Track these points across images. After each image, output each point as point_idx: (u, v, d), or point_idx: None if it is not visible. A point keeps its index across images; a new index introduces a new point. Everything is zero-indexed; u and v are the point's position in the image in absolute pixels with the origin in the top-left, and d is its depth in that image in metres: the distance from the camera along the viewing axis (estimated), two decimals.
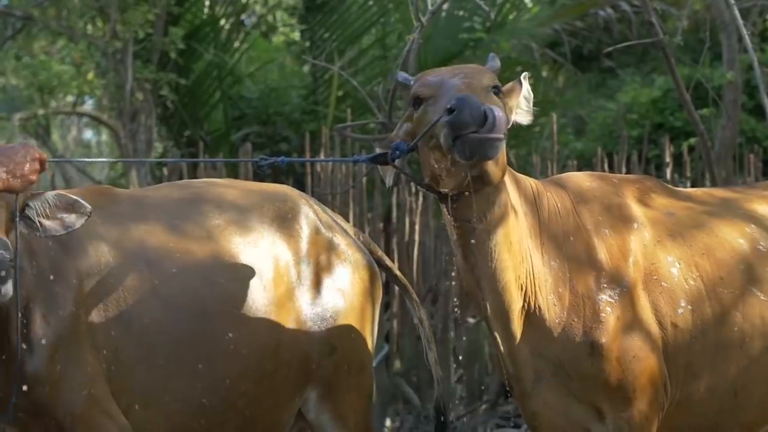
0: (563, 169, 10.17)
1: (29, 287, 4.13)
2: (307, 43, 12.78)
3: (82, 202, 4.08)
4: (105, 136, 19.66)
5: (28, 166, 3.49)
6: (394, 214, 8.81)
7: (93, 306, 4.23)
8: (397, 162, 4.08)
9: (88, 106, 16.39)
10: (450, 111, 3.69)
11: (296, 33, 14.60)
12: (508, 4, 12.35)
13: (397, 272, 5.06)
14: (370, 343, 4.83)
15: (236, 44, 13.13)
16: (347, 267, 4.73)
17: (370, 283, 4.80)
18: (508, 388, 4.36)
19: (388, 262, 5.00)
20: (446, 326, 8.70)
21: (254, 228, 4.59)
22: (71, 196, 4.09)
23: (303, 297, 4.59)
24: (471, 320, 8.89)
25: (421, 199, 8.89)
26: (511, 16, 12.66)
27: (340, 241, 4.75)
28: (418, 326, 5.01)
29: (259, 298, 4.49)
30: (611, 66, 14.38)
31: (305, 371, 4.60)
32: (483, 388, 8.64)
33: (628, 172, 9.33)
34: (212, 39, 12.58)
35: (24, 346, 4.08)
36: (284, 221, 4.64)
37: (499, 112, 3.69)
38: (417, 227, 8.73)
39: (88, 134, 22.44)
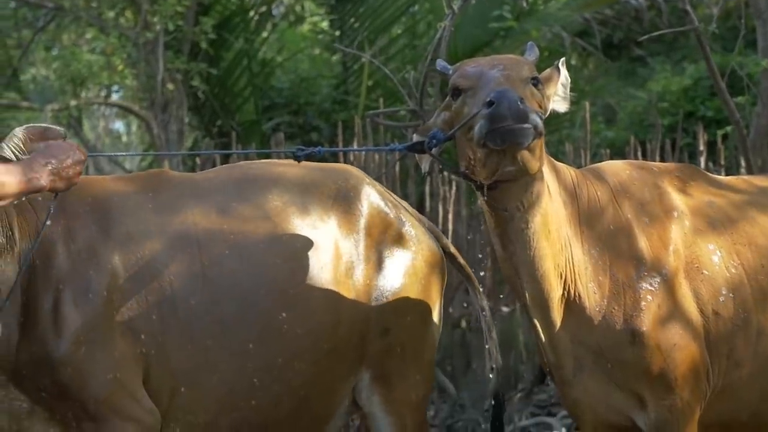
0: (595, 157, 10.15)
1: (63, 269, 4.15)
2: (337, 33, 12.78)
3: (54, 127, 4.04)
4: (135, 126, 19.71)
5: (73, 167, 3.48)
6: (427, 202, 8.81)
7: (130, 291, 4.23)
8: (433, 150, 4.10)
9: (117, 96, 16.44)
10: (489, 104, 3.70)
11: (324, 23, 14.61)
12: None
13: (461, 260, 4.98)
14: (430, 330, 4.74)
15: (265, 34, 13.15)
16: (408, 249, 4.66)
17: (432, 267, 4.72)
18: (549, 376, 4.37)
19: (452, 249, 4.92)
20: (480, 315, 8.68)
21: (313, 207, 4.55)
22: (40, 125, 4.05)
23: (361, 276, 4.53)
24: (505, 309, 8.89)
25: (454, 187, 8.88)
26: (540, 5, 12.64)
27: (402, 222, 4.68)
28: (480, 315, 4.96)
29: (316, 278, 4.46)
30: (641, 54, 14.31)
31: (360, 352, 4.56)
32: (518, 376, 8.64)
33: (661, 161, 9.30)
34: (242, 29, 12.59)
35: (51, 327, 4.10)
36: (345, 200, 4.59)
37: (539, 121, 3.72)
38: (450, 216, 8.72)
39: (117, 125, 22.51)
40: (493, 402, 4.79)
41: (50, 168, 3.41)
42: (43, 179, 3.38)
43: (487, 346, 4.93)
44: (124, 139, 22.15)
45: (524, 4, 7.27)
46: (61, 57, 13.91)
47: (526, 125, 3.71)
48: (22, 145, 4.00)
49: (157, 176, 4.55)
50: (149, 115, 12.49)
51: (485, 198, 3.96)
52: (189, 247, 4.36)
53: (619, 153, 10.33)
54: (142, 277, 4.26)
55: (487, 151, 3.80)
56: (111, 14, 12.99)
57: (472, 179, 3.97)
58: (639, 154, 9.66)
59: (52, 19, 13.88)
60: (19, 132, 4.04)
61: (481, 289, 5.01)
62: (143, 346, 4.22)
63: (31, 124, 4.09)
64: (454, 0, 7.37)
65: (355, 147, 9.06)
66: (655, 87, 12.34)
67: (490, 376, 4.93)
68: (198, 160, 9.89)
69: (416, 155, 4.20)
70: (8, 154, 4.04)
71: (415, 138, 4.18)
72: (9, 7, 13.90)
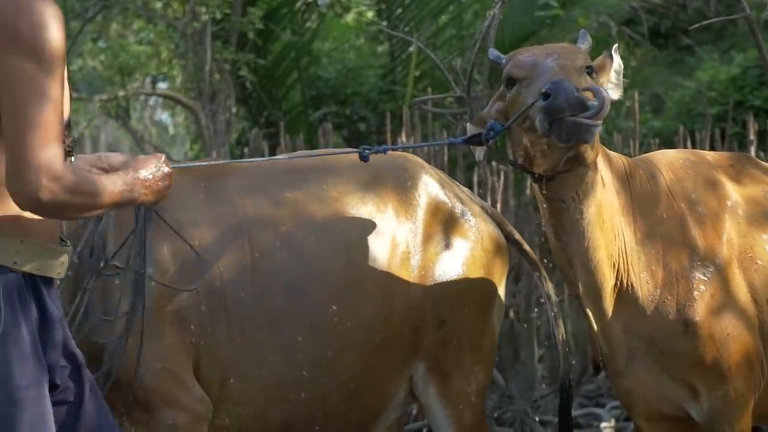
0: (642, 147, 10.10)
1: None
2: (384, 23, 12.78)
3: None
4: (180, 117, 19.78)
5: (162, 180, 3.46)
6: (475, 192, 8.80)
7: (179, 281, 4.22)
8: (489, 142, 4.09)
9: (163, 87, 16.51)
10: (545, 95, 3.68)
11: (370, 13, 14.61)
12: None
13: (526, 247, 4.95)
14: (489, 321, 4.70)
15: (311, 24, 13.16)
16: (468, 238, 4.61)
17: (493, 255, 4.68)
18: (601, 366, 4.35)
19: (516, 236, 4.89)
20: (529, 306, 8.68)
21: (369, 197, 4.52)
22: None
23: (417, 267, 4.49)
24: (548, 310, 8.85)
25: (502, 178, 8.86)
26: None
27: (462, 211, 4.64)
28: (545, 302, 4.95)
29: (369, 270, 4.43)
30: (689, 43, 14.22)
31: (414, 344, 4.53)
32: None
33: (711, 151, 9.24)
34: (288, 20, 12.62)
35: (102, 318, 4.13)
36: (402, 189, 4.55)
37: (606, 96, 3.68)
38: (498, 206, 8.71)
39: (163, 116, 22.60)
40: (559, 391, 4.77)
41: (143, 181, 3.41)
42: (136, 192, 3.38)
43: (553, 335, 4.90)
44: (171, 130, 22.26)
45: None
46: (110, 48, 13.99)
47: (594, 122, 3.69)
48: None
49: (211, 165, 4.56)
50: (197, 106, 12.54)
51: (542, 189, 3.95)
52: (239, 238, 4.35)
53: (666, 143, 10.27)
54: (191, 268, 4.25)
55: (549, 143, 3.80)
56: (158, 5, 13.06)
57: (529, 170, 3.96)
58: (688, 143, 9.61)
59: (100, 10, 13.96)
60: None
61: (546, 276, 4.95)
62: (193, 337, 4.23)
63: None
64: None
65: (404, 138, 9.05)
66: (703, 76, 12.26)
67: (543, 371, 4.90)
68: (246, 150, 9.92)
69: (471, 146, 4.18)
70: None
71: (470, 129, 4.16)
72: None
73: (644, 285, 4.13)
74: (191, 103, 13.18)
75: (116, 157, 3.83)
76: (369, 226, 4.48)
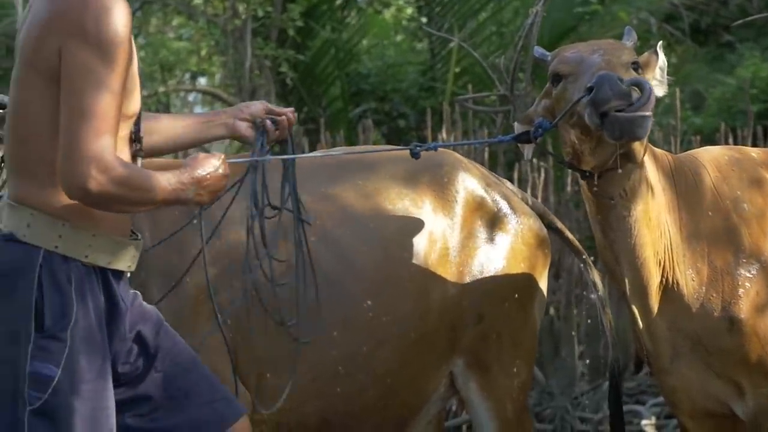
0: (684, 144, 10.06)
1: (147, 255, 4.10)
2: (424, 19, 12.79)
3: None
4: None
5: (219, 181, 3.42)
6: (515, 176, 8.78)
7: (215, 277, 4.18)
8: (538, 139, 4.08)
9: (202, 83, 16.56)
10: (590, 89, 3.68)
11: (409, 9, 14.61)
12: None
13: (569, 235, 4.92)
14: (530, 315, 4.67)
15: (351, 21, 13.18)
16: (507, 232, 4.59)
17: (533, 249, 4.65)
18: (644, 364, 4.34)
19: (559, 224, 4.86)
20: (569, 302, 8.67)
21: (406, 193, 4.50)
22: None
23: (455, 263, 4.47)
24: (593, 297, 8.83)
25: (542, 174, 8.86)
26: None
27: (501, 205, 4.60)
28: (590, 289, 4.93)
29: (405, 265, 4.42)
30: (729, 40, 14.14)
31: (451, 340, 4.51)
32: (606, 365, 8.60)
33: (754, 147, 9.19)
34: (328, 17, 12.63)
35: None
36: (439, 185, 4.53)
37: (650, 86, 3.68)
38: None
39: (200, 111, 22.67)
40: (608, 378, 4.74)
41: (197, 180, 3.39)
42: (190, 192, 3.34)
43: (601, 322, 4.88)
44: None
45: None
46: (150, 44, 14.04)
47: (644, 113, 3.67)
48: None
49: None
50: (237, 102, 12.55)
51: (590, 186, 3.95)
52: (275, 232, 4.35)
53: (707, 140, 10.23)
54: (227, 262, 4.25)
55: (599, 139, 3.79)
56: (199, 1, 13.10)
57: (577, 168, 3.96)
58: (730, 140, 9.57)
59: (140, 7, 14.02)
60: None
61: (591, 263, 4.93)
62: (230, 331, 4.20)
63: None
64: None
65: (444, 135, 9.05)
66: (744, 73, 12.20)
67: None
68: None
69: (519, 144, 4.18)
70: None
71: (517, 128, 4.16)
72: None
73: (689, 282, 4.12)
74: (231, 100, 13.20)
75: (256, 106, 3.88)
76: (406, 221, 4.47)
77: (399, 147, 4.39)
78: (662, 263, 4.07)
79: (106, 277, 3.38)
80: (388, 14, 14.80)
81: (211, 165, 3.41)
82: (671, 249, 4.09)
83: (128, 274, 3.50)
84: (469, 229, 4.54)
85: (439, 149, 4.69)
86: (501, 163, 9.01)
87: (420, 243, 4.46)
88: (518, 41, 7.57)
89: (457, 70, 11.85)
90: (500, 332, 4.57)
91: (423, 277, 4.44)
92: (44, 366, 3.24)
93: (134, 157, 3.44)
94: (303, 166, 4.50)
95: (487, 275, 4.54)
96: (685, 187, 4.19)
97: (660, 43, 4.19)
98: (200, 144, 4.04)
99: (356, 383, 4.40)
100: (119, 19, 3.21)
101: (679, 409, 4.33)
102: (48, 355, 3.24)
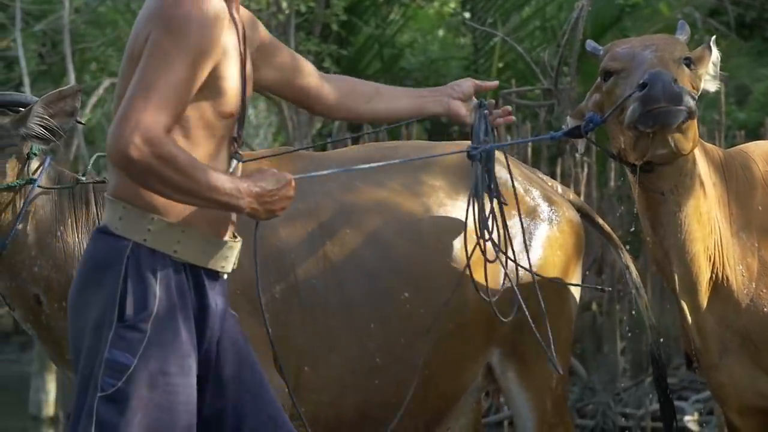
0: (729, 139, 10.02)
1: None
2: (467, 14, 12.78)
3: (65, 87, 4.25)
4: (262, 108, 19.88)
5: (279, 201, 3.39)
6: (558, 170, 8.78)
7: (252, 270, 4.09)
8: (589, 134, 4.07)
9: None
10: (642, 86, 3.67)
11: (452, 4, 14.60)
12: None
13: (607, 228, 4.92)
14: (567, 304, 4.68)
15: (394, 16, 13.18)
16: (543, 221, 4.60)
17: (569, 238, 4.66)
18: (693, 360, 4.33)
19: (596, 217, 4.87)
20: (612, 298, 8.66)
21: (441, 185, 4.52)
22: (53, 91, 4.27)
23: (492, 253, 4.36)
24: (629, 283, 8.82)
25: (585, 169, 8.85)
26: None
27: (535, 196, 4.62)
28: (624, 273, 4.93)
29: (441, 257, 4.43)
30: None
31: (488, 331, 4.51)
32: (649, 361, 8.59)
33: None
34: (372, 12, 12.64)
35: None
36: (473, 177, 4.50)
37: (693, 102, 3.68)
38: (582, 197, 8.70)
39: None
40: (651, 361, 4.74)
41: (256, 193, 3.35)
42: (243, 201, 3.31)
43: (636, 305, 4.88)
44: (253, 121, 22.37)
45: None
46: None
47: (679, 107, 3.67)
48: (46, 118, 4.21)
49: (290, 158, 4.51)
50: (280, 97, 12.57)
51: (639, 181, 3.94)
52: (311, 227, 4.37)
53: (752, 134, 10.19)
54: (264, 256, 4.19)
55: (637, 133, 3.78)
56: None
57: (627, 162, 3.95)
58: None
59: None
60: (37, 107, 4.23)
61: (623, 247, 4.91)
62: (266, 324, 4.23)
63: (46, 94, 4.28)
64: None
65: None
66: None
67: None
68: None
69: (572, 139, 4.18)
70: (37, 130, 4.22)
71: (570, 122, 4.15)
72: None
73: (739, 278, 4.10)
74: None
75: (466, 83, 3.96)
76: (441, 214, 4.47)
77: (457, 150, 4.37)
78: (712, 259, 4.05)
79: (198, 275, 3.41)
80: (431, 9, 14.79)
81: (277, 183, 3.39)
82: (721, 244, 4.07)
83: (225, 277, 3.52)
84: (504, 219, 4.54)
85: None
86: (544, 157, 9.00)
87: (454, 235, 4.46)
88: (563, 35, 7.60)
89: (501, 65, 11.83)
90: (538, 321, 4.56)
91: (458, 269, 4.42)
92: (122, 354, 3.28)
93: (231, 158, 3.48)
94: (335, 159, 4.53)
95: (525, 264, 4.54)
96: (735, 181, 4.17)
97: (713, 38, 4.18)
98: (416, 117, 4.11)
99: (394, 375, 4.41)
100: (199, 6, 3.26)
101: (727, 405, 4.30)
102: (126, 344, 3.28)
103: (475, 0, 12.49)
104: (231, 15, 3.40)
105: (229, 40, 3.37)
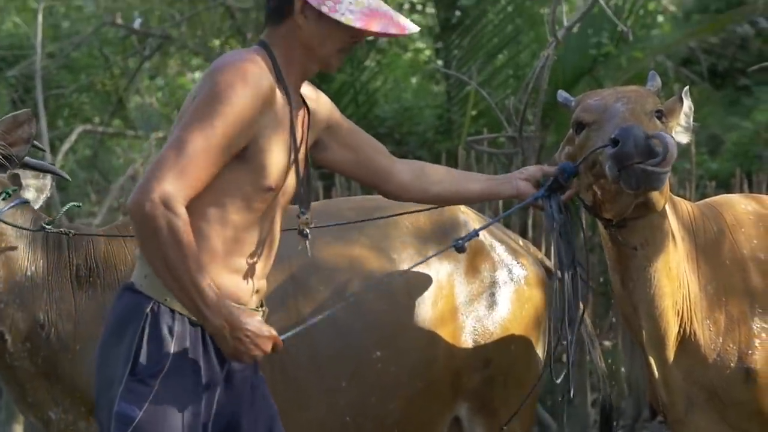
0: (700, 189, 10.03)
1: None
2: (440, 62, 12.81)
3: (21, 111, 4.34)
4: None
5: (249, 343, 3.44)
6: (530, 233, 8.76)
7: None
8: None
9: None
10: (614, 142, 3.65)
11: (427, 52, 14.64)
12: (634, 18, 12.20)
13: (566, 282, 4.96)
14: (534, 357, 4.70)
15: (369, 63, 13.19)
16: (512, 278, 4.62)
17: (536, 291, 4.69)
18: (659, 413, 4.31)
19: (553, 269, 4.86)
20: (583, 349, 8.62)
21: (411, 242, 4.54)
22: (5, 118, 4.32)
23: (463, 311, 4.50)
24: (607, 343, 8.82)
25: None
26: (640, 31, 12.54)
27: (504, 253, 4.65)
28: (582, 328, 4.94)
29: (413, 315, 4.44)
30: (747, 83, 14.14)
31: (455, 387, 4.53)
32: (619, 412, 8.55)
33: None
34: (347, 59, 12.64)
35: None
36: (443, 233, 4.56)
37: (673, 144, 3.65)
38: (552, 247, 8.67)
39: None
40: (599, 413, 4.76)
41: (234, 322, 3.40)
42: (217, 320, 3.38)
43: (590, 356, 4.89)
44: None
45: (626, 34, 7.22)
46: (167, 85, 14.07)
47: (663, 169, 3.66)
48: (2, 144, 4.26)
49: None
50: None
51: (611, 234, 3.93)
52: (284, 282, 4.39)
53: (723, 185, 10.20)
54: None
55: (618, 189, 3.77)
56: (216, 42, 13.13)
57: (599, 215, 3.94)
58: (745, 185, 9.54)
59: (158, 48, 14.08)
60: None
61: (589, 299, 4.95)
62: None
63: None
64: (559, 25, 7.39)
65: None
66: (761, 117, 12.19)
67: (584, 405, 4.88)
68: None
69: None
70: None
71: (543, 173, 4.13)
72: (118, 36, 14.13)
73: (706, 332, 4.09)
74: None
75: (533, 167, 4.05)
76: (412, 271, 4.47)
77: (443, 248, 4.36)
78: (680, 313, 4.05)
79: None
80: (406, 57, 14.83)
81: (259, 330, 3.45)
82: (689, 299, 4.06)
83: None
84: (474, 275, 4.56)
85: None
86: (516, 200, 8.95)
87: (427, 292, 4.49)
88: (528, 83, 7.60)
89: (474, 113, 11.83)
90: (507, 374, 4.60)
91: (431, 326, 4.46)
92: (129, 407, 3.38)
93: (299, 234, 3.65)
94: (314, 216, 4.52)
95: (495, 321, 4.58)
96: (703, 235, 4.17)
97: (686, 89, 4.17)
98: (487, 200, 4.39)
99: None
100: (244, 78, 3.34)
101: None
102: (134, 397, 3.38)
103: (449, 48, 12.50)
104: (285, 92, 3.48)
105: (278, 116, 3.45)
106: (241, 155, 3.41)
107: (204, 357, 3.46)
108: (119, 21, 13.57)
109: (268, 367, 4.23)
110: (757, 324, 4.11)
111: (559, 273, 3.97)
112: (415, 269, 4.45)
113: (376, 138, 4.06)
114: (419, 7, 14.22)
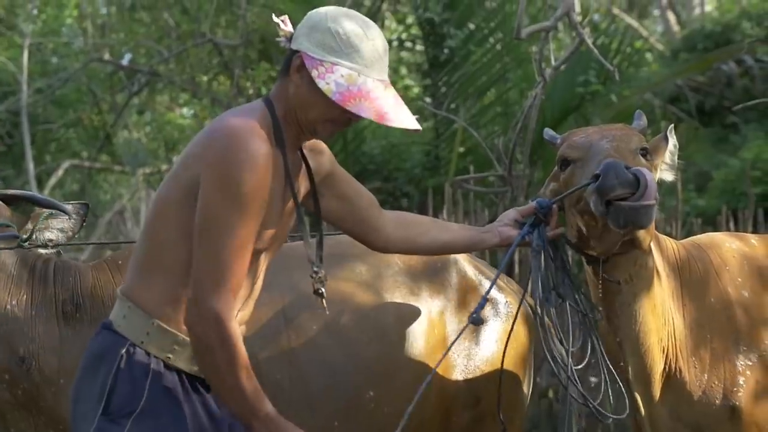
0: (686, 226, 10.05)
1: None
2: (429, 99, 12.84)
3: (69, 206, 4.47)
4: None
5: None
6: (516, 269, 8.76)
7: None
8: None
9: None
10: (597, 177, 3.66)
11: (415, 89, 14.68)
12: (621, 57, 12.25)
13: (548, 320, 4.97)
14: (521, 395, 4.70)
15: None
16: (500, 316, 4.63)
17: (523, 330, 4.68)
18: None
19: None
20: (568, 384, 8.59)
21: (403, 280, 4.53)
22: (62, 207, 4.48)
23: (453, 349, 4.48)
24: (593, 380, 8.80)
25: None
26: (628, 68, 12.60)
27: (492, 290, 4.58)
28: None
29: (405, 354, 4.43)
30: (734, 121, 14.20)
31: (445, 424, 4.52)
32: None
33: (754, 231, 9.18)
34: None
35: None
36: (433, 272, 4.57)
37: (650, 177, 3.66)
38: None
39: None
40: None
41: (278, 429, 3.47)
42: (259, 423, 3.44)
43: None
44: None
45: (613, 73, 7.24)
46: (154, 120, 14.10)
47: (648, 203, 3.65)
48: None
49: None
50: None
51: (596, 271, 3.93)
52: (276, 321, 4.37)
53: (710, 222, 10.22)
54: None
55: (605, 226, 3.77)
56: (204, 79, 13.16)
57: (584, 252, 3.94)
58: (731, 223, 9.55)
59: (146, 84, 14.11)
60: None
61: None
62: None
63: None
64: (547, 64, 7.41)
65: (445, 214, 9.01)
66: (747, 155, 12.22)
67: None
68: None
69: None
70: None
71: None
72: (105, 72, 14.16)
73: (692, 370, 4.09)
74: None
75: (511, 212, 4.05)
76: (404, 309, 4.48)
77: (463, 328, 4.36)
78: (666, 350, 4.05)
79: (195, 383, 3.49)
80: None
81: None
82: (675, 336, 4.07)
83: None
84: (464, 312, 4.55)
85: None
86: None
87: (418, 331, 4.47)
88: (517, 123, 7.62)
89: (462, 150, 11.86)
90: (495, 412, 4.55)
91: (422, 365, 4.44)
92: None
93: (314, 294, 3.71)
94: (303, 252, 4.52)
95: (485, 358, 4.57)
96: (689, 274, 4.18)
97: (671, 127, 4.18)
98: (472, 250, 4.29)
99: None
100: (251, 161, 3.31)
101: None
102: None
103: (437, 85, 12.54)
104: (283, 153, 3.45)
105: (274, 180, 3.42)
106: None
107: (186, 401, 3.46)
108: (107, 57, 13.61)
109: None
110: (741, 361, 4.11)
111: (537, 298, 3.94)
112: (405, 307, 4.46)
113: (365, 174, 4.07)
114: (408, 44, 14.27)
